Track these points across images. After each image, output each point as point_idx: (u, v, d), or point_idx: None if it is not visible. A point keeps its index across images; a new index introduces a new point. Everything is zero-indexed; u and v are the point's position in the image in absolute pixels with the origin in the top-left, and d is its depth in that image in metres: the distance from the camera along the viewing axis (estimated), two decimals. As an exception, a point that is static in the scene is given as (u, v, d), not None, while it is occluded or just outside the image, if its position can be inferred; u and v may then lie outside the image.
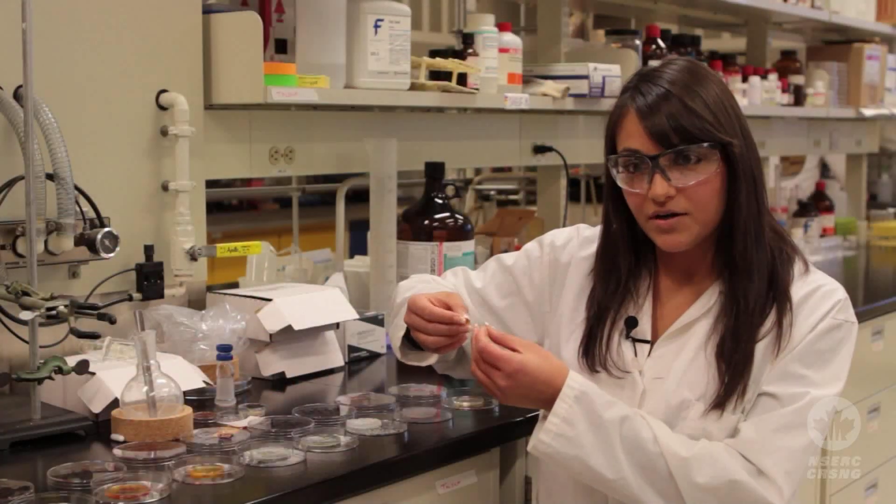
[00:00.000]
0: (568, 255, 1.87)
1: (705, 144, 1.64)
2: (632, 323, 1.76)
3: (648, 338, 1.75)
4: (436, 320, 1.75)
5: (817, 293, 1.69)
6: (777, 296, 1.67)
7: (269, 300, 2.26)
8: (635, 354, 1.75)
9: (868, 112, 4.69)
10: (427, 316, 1.75)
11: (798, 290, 1.69)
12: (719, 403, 1.65)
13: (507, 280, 1.93)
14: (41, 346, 1.87)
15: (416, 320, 1.77)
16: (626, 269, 1.77)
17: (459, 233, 2.72)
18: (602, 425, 1.62)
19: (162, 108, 2.27)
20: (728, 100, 1.69)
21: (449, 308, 1.75)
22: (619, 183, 1.70)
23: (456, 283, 1.99)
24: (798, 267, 1.72)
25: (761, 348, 1.66)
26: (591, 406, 1.63)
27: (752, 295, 1.66)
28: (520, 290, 1.91)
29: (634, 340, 1.75)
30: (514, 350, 1.65)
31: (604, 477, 1.61)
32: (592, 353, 1.76)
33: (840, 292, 1.71)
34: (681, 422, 1.67)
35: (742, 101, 3.89)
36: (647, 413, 1.69)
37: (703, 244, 1.72)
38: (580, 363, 1.77)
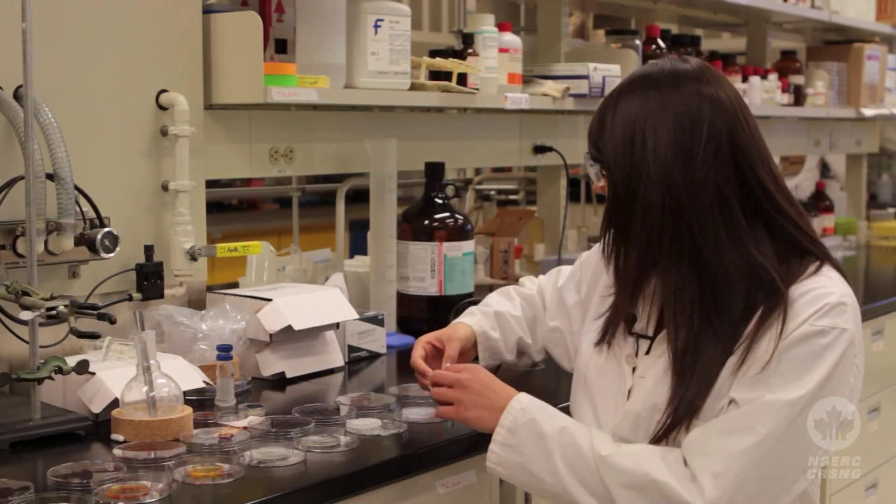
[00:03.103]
0: None
1: (589, 154, 1.69)
2: (631, 319, 1.76)
3: (650, 334, 1.74)
4: (414, 367, 1.94)
5: (805, 297, 1.59)
6: (759, 304, 1.59)
7: (269, 300, 2.26)
8: (637, 351, 1.75)
9: (868, 112, 4.69)
10: (411, 360, 1.94)
11: (793, 291, 1.59)
12: (677, 421, 1.61)
13: (577, 277, 2.01)
14: (41, 346, 1.87)
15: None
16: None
17: (459, 233, 2.72)
18: (542, 434, 1.66)
19: (162, 108, 2.27)
20: (658, 125, 1.60)
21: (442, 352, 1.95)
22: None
23: (544, 283, 2.10)
24: (810, 270, 1.63)
25: (734, 360, 1.59)
26: (533, 417, 1.68)
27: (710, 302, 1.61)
28: (580, 286, 1.98)
29: (638, 336, 1.75)
30: None
31: (544, 482, 1.65)
32: (601, 346, 1.80)
33: (832, 296, 1.58)
34: (653, 426, 1.65)
35: (742, 102, 3.89)
36: (626, 411, 1.70)
37: None
38: (591, 354, 1.81)
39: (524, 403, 1.70)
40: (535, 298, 2.09)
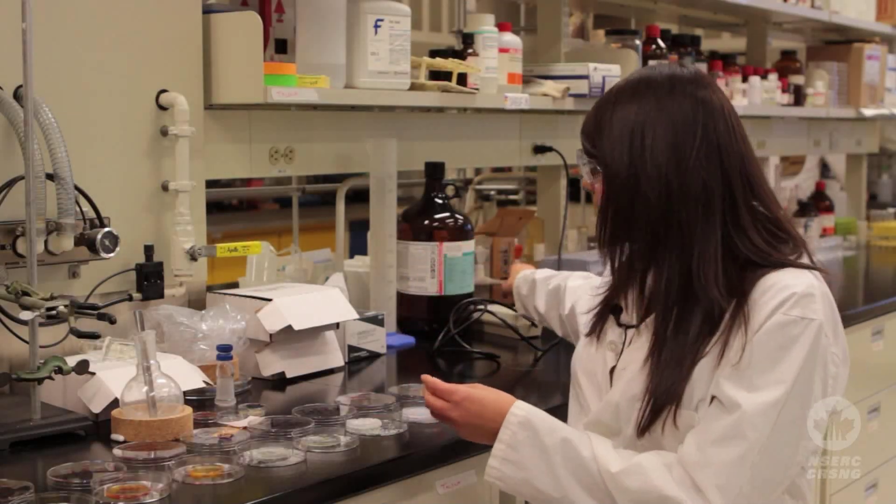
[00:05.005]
0: None
1: (584, 152, 1.74)
2: (617, 310, 1.79)
3: (635, 323, 1.76)
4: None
5: (772, 289, 1.62)
6: (732, 298, 1.63)
7: (269, 300, 2.26)
8: (623, 340, 1.77)
9: (868, 112, 4.69)
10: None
11: (758, 287, 1.63)
12: (649, 422, 1.65)
13: None
14: (41, 346, 1.87)
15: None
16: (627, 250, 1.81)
17: (459, 233, 2.72)
18: (544, 449, 1.66)
19: (162, 108, 2.27)
20: (656, 126, 1.65)
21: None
22: None
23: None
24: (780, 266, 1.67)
25: (712, 355, 1.63)
26: (534, 430, 1.68)
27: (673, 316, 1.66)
28: None
29: (626, 327, 1.77)
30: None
31: (550, 497, 1.65)
32: (592, 337, 1.82)
33: (798, 286, 1.61)
34: (634, 415, 1.68)
35: (742, 102, 3.90)
36: (607, 401, 1.72)
37: None
38: (582, 345, 1.86)
39: (520, 416, 1.69)
40: None
